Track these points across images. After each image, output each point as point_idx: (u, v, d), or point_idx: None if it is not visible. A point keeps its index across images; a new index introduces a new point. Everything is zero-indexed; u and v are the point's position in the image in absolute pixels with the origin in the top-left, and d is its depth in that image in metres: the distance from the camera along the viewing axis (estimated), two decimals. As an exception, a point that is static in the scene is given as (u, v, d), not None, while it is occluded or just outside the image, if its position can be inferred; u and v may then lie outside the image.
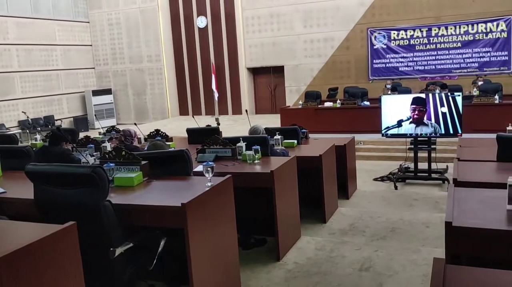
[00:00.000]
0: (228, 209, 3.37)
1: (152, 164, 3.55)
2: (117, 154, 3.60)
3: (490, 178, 3.18)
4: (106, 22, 16.96)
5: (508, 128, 5.28)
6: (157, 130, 6.35)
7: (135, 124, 7.10)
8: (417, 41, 13.18)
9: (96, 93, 16.63)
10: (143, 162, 3.48)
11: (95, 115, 14.49)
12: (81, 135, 6.90)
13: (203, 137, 4.93)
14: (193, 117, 8.06)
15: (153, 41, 16.40)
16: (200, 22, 15.95)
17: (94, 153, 5.19)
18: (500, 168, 3.48)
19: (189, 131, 6.40)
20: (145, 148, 4.60)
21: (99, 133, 7.81)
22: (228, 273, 3.39)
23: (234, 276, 3.50)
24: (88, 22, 17.13)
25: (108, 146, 5.60)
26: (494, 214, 2.38)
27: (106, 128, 8.01)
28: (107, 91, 16.99)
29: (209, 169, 3.12)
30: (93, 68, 17.41)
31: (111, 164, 3.46)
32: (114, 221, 2.73)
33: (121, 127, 6.78)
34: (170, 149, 4.09)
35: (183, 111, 16.69)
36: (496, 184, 2.80)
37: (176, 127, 12.49)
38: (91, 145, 5.57)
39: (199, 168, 3.58)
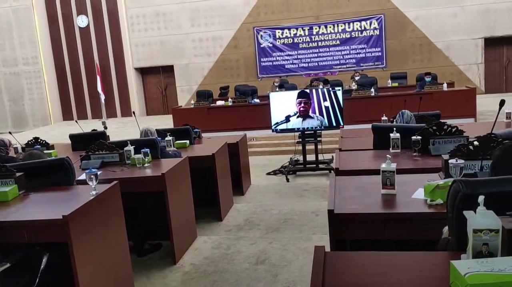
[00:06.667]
0: (117, 216, 3.22)
1: (29, 176, 3.28)
2: (-14, 168, 3.26)
3: (367, 166, 3.43)
4: (-28, 22, 15.31)
5: (382, 118, 5.69)
6: (36, 138, 5.87)
7: (10, 133, 6.48)
8: (300, 39, 13.79)
9: (-37, 100, 14.93)
10: (18, 174, 3.20)
11: (-37, 125, 13.00)
12: None
13: (88, 143, 4.66)
14: (76, 122, 7.57)
15: (29, 43, 15.12)
16: (81, 21, 15.06)
17: (-39, 168, 4.64)
18: (375, 156, 3.77)
19: (72, 137, 6.01)
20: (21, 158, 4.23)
21: (-31, 145, 7.00)
22: (120, 283, 3.25)
23: (128, 285, 3.37)
24: (-50, 22, 15.32)
25: (-22, 159, 5.04)
26: (371, 199, 2.57)
27: (-24, 139, 7.21)
28: (-23, 98, 15.36)
29: (92, 176, 2.96)
30: (-41, 73, 15.63)
31: (-20, 179, 3.13)
32: (-15, 242, 2.47)
33: (-6, 137, 6.14)
34: (48, 158, 3.80)
35: (67, 116, 15.62)
36: (372, 170, 3.02)
37: (60, 133, 11.68)
38: (-43, 159, 4.97)
39: (83, 176, 3.37)
